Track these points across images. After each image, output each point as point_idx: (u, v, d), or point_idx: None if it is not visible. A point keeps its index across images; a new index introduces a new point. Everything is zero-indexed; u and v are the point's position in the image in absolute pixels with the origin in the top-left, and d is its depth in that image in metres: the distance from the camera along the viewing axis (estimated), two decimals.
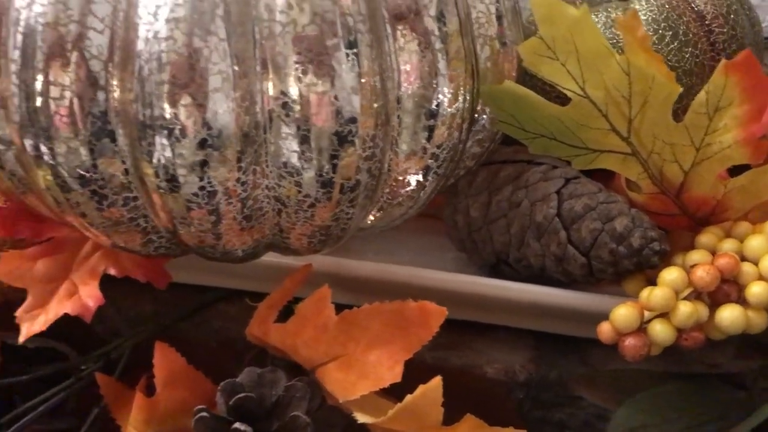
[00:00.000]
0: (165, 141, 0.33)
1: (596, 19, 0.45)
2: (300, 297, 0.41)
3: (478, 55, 0.39)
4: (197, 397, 0.41)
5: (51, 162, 0.35)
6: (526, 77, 0.42)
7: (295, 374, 0.40)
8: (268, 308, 0.40)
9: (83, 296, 0.41)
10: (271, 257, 0.42)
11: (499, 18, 0.40)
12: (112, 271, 0.42)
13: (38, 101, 0.34)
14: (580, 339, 0.44)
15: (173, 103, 0.33)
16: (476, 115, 0.40)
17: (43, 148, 0.35)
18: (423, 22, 0.36)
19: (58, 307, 0.40)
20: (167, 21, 0.32)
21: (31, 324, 0.40)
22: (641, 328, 0.37)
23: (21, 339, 0.40)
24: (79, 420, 0.46)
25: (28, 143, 0.35)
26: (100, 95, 0.33)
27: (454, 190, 0.46)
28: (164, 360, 0.42)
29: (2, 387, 0.46)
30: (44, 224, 0.44)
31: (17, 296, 0.45)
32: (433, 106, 0.37)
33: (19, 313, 0.40)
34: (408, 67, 0.36)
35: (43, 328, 0.40)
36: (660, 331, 0.37)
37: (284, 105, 0.34)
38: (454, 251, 0.49)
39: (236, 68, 0.33)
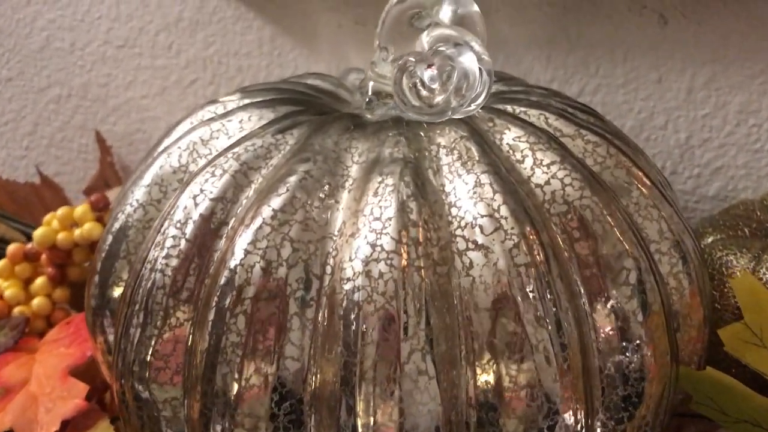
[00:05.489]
0: None
1: None
2: None
3: (676, 339, 0.37)
4: None
5: None
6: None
7: None
8: None
9: None
10: None
11: (692, 294, 0.39)
12: None
13: (235, 389, 0.34)
14: None
15: (376, 401, 0.32)
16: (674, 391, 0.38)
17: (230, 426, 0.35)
18: (623, 308, 0.35)
19: None
20: (375, 344, 0.32)
21: None
22: None
23: None
24: None
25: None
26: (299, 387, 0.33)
27: None
28: None
29: None
30: None
31: None
32: (636, 399, 0.35)
33: None
34: (611, 366, 0.35)
35: None
36: None
37: (485, 405, 0.33)
38: None
39: (443, 375, 0.32)
